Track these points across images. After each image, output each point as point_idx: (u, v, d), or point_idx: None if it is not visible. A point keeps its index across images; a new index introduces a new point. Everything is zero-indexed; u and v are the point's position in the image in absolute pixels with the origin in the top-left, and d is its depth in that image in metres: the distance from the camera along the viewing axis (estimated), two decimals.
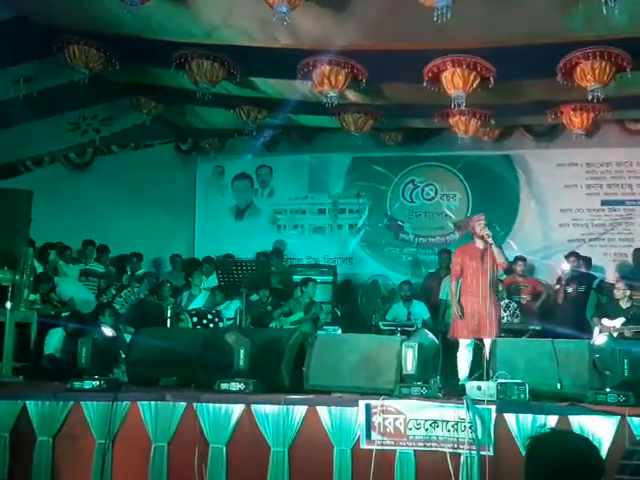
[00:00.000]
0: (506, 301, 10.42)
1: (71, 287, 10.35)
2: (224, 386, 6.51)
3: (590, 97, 8.71)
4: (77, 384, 6.68)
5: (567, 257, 11.06)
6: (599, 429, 5.62)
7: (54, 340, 8.96)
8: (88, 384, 6.66)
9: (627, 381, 6.00)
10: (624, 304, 9.81)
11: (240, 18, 8.08)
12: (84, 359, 6.78)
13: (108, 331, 7.23)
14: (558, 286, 10.94)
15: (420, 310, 11.00)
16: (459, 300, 8.38)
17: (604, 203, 12.72)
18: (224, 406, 6.25)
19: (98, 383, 6.67)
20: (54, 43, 8.78)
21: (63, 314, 9.65)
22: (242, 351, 6.53)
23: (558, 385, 6.43)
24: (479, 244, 8.45)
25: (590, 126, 10.56)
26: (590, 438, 5.51)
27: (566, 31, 7.93)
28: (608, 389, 6.05)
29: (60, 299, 9.92)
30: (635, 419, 5.55)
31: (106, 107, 11.46)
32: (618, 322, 9.54)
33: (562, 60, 8.52)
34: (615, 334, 8.90)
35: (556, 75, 8.75)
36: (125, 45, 8.79)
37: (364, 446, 5.98)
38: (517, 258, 11.25)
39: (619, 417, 5.63)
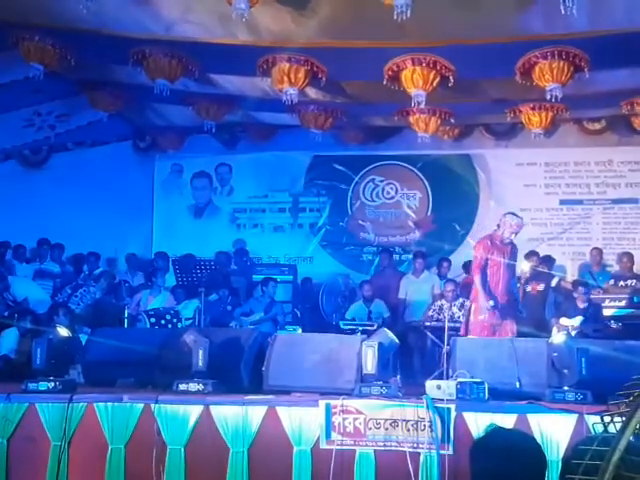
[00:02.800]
0: (461, 300, 10.42)
1: (25, 287, 10.18)
2: (182, 387, 6.43)
3: (548, 96, 8.76)
4: (32, 385, 6.53)
5: (527, 256, 11.11)
6: (557, 427, 5.67)
7: (8, 341, 8.81)
8: (43, 385, 6.51)
9: (585, 379, 6.03)
10: (581, 303, 9.90)
11: (199, 13, 7.99)
12: (39, 360, 6.63)
13: (63, 331, 7.11)
14: (517, 285, 10.98)
15: (380, 309, 10.99)
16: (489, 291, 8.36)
17: (562, 202, 12.88)
18: (182, 407, 6.17)
19: (53, 384, 6.53)
20: (8, 39, 8.58)
21: (17, 314, 9.48)
22: (201, 351, 6.47)
23: (517, 384, 6.45)
24: (507, 240, 8.47)
25: (549, 125, 10.64)
26: (548, 436, 5.59)
27: (525, 30, 7.97)
28: (566, 387, 6.09)
29: (14, 299, 9.75)
30: (592, 417, 5.58)
31: (61, 104, 11.30)
32: (576, 321, 9.62)
33: (521, 59, 8.57)
34: (573, 333, 8.97)
35: (515, 74, 8.79)
36: (81, 41, 8.63)
37: (324, 446, 5.95)
38: None
39: (577, 415, 5.68)
